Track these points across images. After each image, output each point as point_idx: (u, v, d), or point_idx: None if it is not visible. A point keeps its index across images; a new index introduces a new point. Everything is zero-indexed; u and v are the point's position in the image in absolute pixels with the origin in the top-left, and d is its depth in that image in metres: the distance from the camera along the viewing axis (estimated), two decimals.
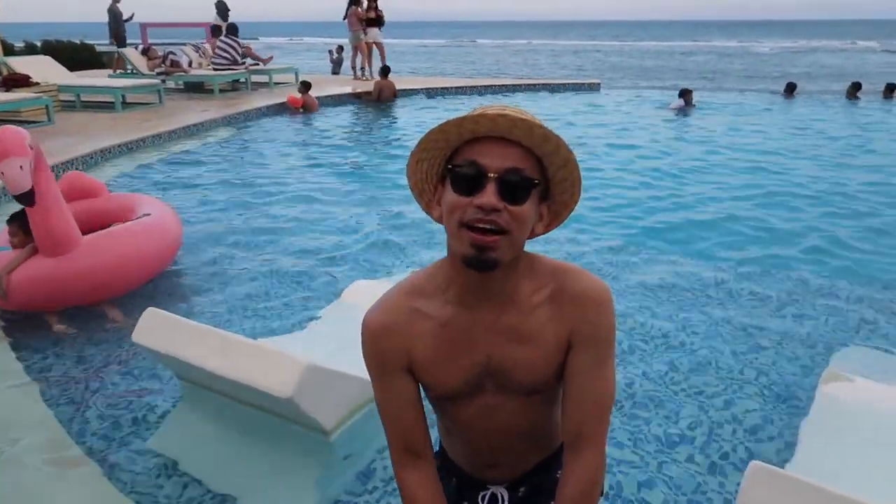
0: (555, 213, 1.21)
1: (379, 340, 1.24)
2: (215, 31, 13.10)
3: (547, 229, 1.21)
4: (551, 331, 1.21)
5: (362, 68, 14.31)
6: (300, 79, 12.17)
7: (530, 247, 1.22)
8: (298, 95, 10.72)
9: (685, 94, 11.58)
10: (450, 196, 1.11)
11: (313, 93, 10.99)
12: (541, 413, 1.33)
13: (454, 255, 1.15)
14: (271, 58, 13.90)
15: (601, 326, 1.20)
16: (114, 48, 14.02)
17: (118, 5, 13.20)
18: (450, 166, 1.12)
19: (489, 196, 1.06)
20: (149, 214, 3.94)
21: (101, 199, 4.20)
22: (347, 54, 15.50)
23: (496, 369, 1.23)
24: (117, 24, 13.09)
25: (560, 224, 1.23)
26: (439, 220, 1.19)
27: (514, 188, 1.08)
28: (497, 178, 1.07)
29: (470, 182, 1.08)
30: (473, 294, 1.19)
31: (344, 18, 13.80)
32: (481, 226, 1.07)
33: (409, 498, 1.30)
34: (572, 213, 1.23)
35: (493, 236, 1.07)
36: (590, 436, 1.24)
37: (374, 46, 13.96)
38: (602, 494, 1.33)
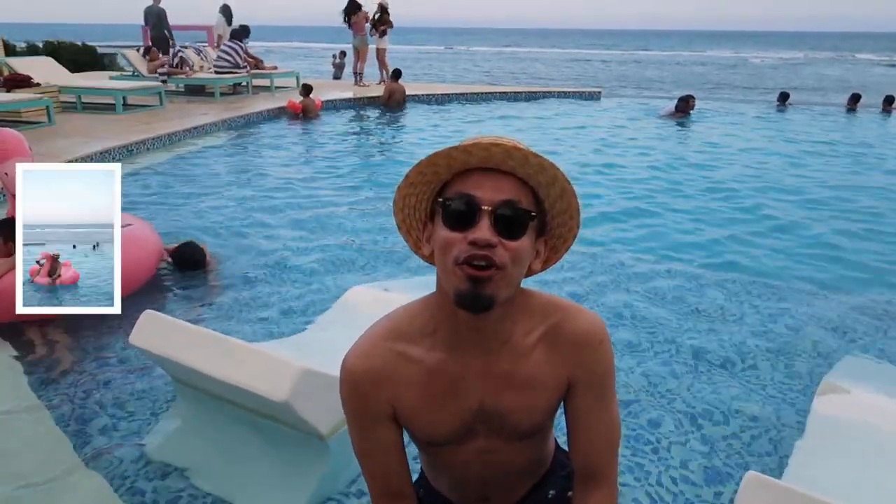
0: (553, 248, 1.16)
1: (361, 387, 1.16)
2: (241, 33, 13.01)
3: (544, 266, 1.16)
4: (549, 374, 1.15)
5: (360, 73, 14.34)
6: (302, 83, 12.19)
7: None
8: (298, 100, 10.71)
9: (685, 100, 11.53)
10: (442, 232, 1.04)
11: (314, 96, 11.00)
12: (536, 449, 1.29)
13: (445, 294, 1.07)
14: (275, 67, 13.97)
15: (602, 365, 1.17)
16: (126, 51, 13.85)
17: (160, 5, 13.06)
18: (441, 199, 1.05)
19: (483, 231, 0.99)
20: (130, 225, 3.87)
21: None
22: (349, 59, 15.53)
23: (490, 416, 1.16)
24: (160, 25, 12.89)
25: (559, 260, 1.17)
26: (429, 260, 1.13)
27: (509, 222, 1.01)
28: (491, 212, 1.00)
29: (463, 216, 1.01)
30: (464, 337, 1.11)
31: (344, 22, 13.80)
32: (476, 263, 1.00)
33: None
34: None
35: (488, 270, 1.00)
36: (601, 473, 1.21)
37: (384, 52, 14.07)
38: None
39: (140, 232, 3.89)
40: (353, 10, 13.69)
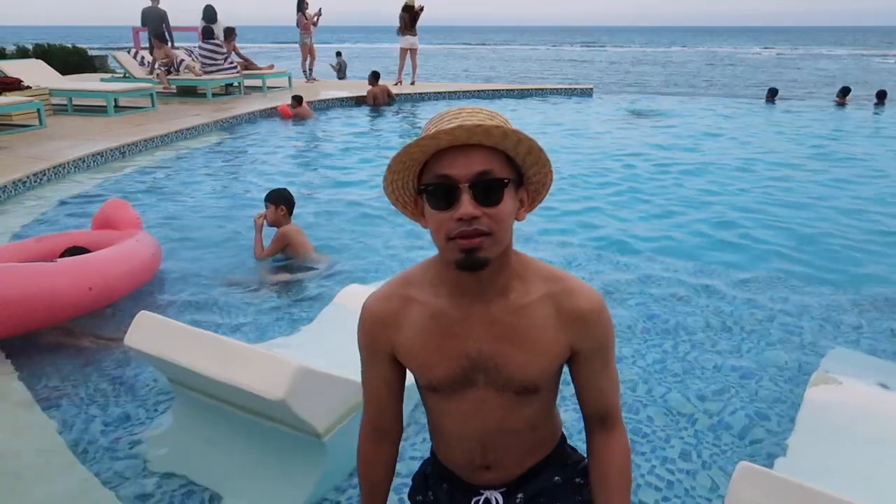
0: (535, 192, 1.24)
1: (370, 326, 1.31)
2: (227, 33, 12.95)
3: (530, 209, 1.26)
4: (548, 336, 1.24)
5: (310, 70, 14.88)
6: (294, 87, 12.15)
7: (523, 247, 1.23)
8: (289, 103, 10.66)
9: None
10: (431, 213, 1.15)
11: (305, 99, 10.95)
12: (534, 411, 1.33)
13: (446, 260, 1.20)
14: (272, 66, 13.98)
15: (604, 335, 1.28)
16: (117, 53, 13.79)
17: (159, 6, 12.99)
18: (422, 186, 1.15)
19: (466, 206, 1.09)
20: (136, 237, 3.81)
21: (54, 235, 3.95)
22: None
23: (486, 363, 1.25)
24: (160, 26, 12.82)
25: (541, 202, 1.27)
26: (427, 228, 1.22)
27: (487, 191, 1.11)
28: (469, 187, 1.10)
29: (444, 198, 1.11)
30: (464, 287, 1.23)
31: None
32: (466, 238, 1.11)
33: (362, 463, 1.44)
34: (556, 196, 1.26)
35: (478, 238, 1.11)
36: (611, 416, 1.36)
37: (407, 53, 14.10)
38: None
39: (71, 265, 3.49)
40: (299, 6, 14.07)
